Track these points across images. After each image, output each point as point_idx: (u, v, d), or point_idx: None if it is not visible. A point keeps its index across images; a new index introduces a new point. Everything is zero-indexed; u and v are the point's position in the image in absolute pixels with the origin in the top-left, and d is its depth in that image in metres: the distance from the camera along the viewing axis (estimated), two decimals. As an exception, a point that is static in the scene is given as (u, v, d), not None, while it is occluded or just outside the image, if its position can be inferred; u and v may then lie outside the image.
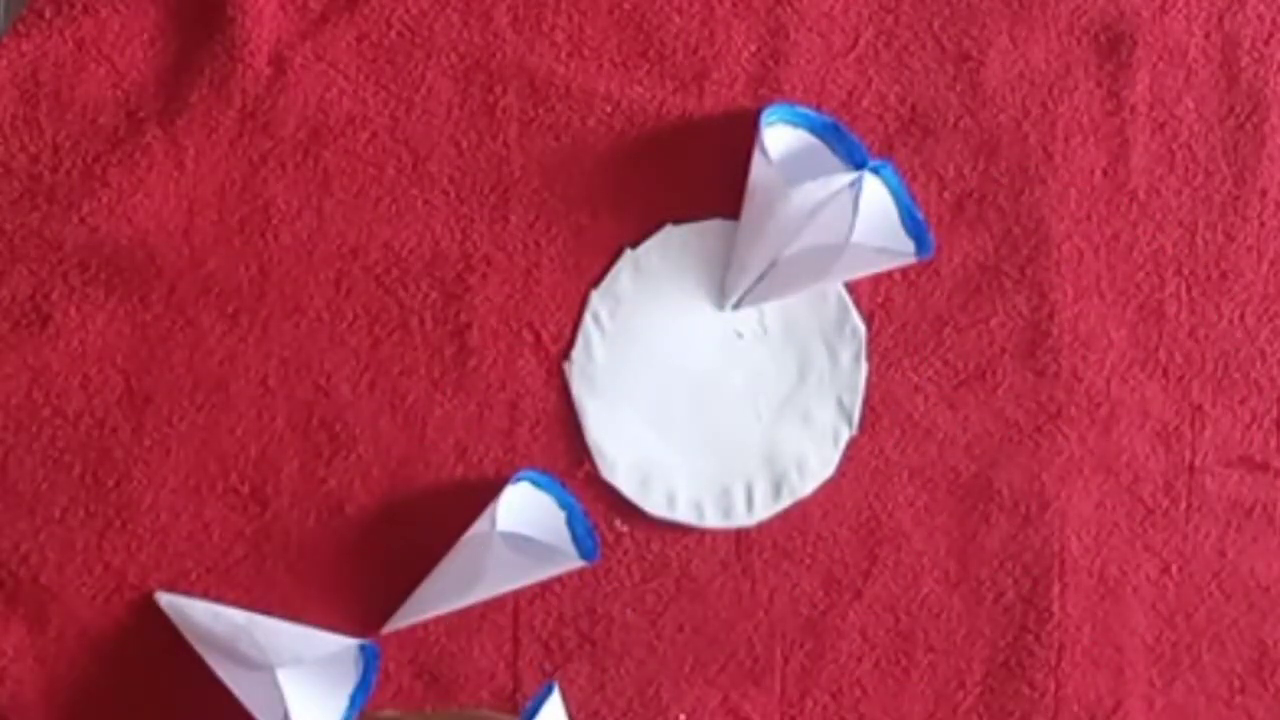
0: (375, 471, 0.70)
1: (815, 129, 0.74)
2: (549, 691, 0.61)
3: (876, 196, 0.72)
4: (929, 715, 0.74)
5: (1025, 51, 0.76)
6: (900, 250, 0.73)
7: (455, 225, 0.71)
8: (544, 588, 0.70)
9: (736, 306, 0.73)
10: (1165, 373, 0.77)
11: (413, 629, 0.69)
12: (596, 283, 0.72)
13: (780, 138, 0.73)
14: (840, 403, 0.73)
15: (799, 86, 0.74)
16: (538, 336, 0.71)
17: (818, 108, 0.74)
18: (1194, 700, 0.76)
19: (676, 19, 0.73)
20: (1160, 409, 0.76)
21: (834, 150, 0.74)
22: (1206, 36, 0.78)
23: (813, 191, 0.70)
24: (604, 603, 0.71)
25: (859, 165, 0.72)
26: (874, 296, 0.74)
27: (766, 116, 0.72)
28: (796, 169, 0.71)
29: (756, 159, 0.71)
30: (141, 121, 0.69)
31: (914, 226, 0.73)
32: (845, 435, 0.74)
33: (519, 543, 0.68)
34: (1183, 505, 0.76)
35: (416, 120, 0.71)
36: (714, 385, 0.73)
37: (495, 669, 0.71)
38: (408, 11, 0.71)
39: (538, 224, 0.72)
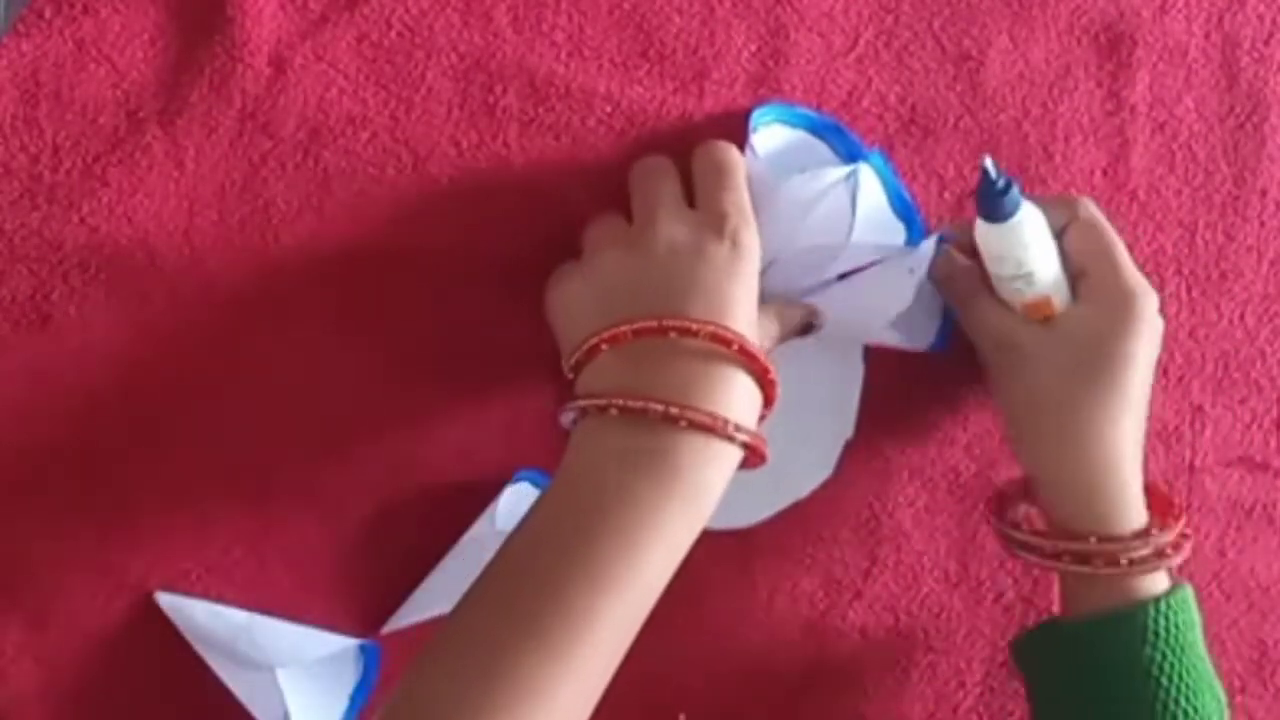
0: (375, 471, 0.70)
1: (808, 127, 0.73)
2: None
3: (869, 189, 0.72)
4: (929, 715, 0.75)
5: (1025, 51, 0.76)
6: (894, 244, 0.72)
7: (455, 225, 0.71)
8: (544, 588, 0.71)
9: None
10: (1165, 373, 0.77)
11: (412, 629, 0.69)
12: (596, 283, 0.72)
13: (771, 136, 0.73)
14: (839, 404, 0.73)
15: (799, 86, 0.74)
16: (538, 337, 0.71)
17: (818, 108, 0.74)
18: (1194, 700, 0.76)
19: (676, 19, 0.73)
20: (1160, 409, 0.76)
21: (832, 148, 0.73)
22: (1206, 36, 0.78)
23: (804, 185, 0.70)
24: (604, 603, 0.71)
25: (854, 160, 0.72)
26: (874, 296, 0.74)
27: (759, 116, 0.72)
28: (788, 166, 0.71)
29: (746, 157, 0.71)
30: (141, 121, 0.69)
31: (904, 210, 0.73)
32: (843, 437, 0.74)
33: None
34: (1183, 505, 0.76)
35: (416, 120, 0.71)
36: (714, 385, 0.73)
37: (495, 669, 0.71)
38: (408, 11, 0.71)
39: (538, 224, 0.72)
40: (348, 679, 0.69)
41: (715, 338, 0.59)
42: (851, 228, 0.70)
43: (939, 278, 0.70)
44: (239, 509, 0.69)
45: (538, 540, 0.58)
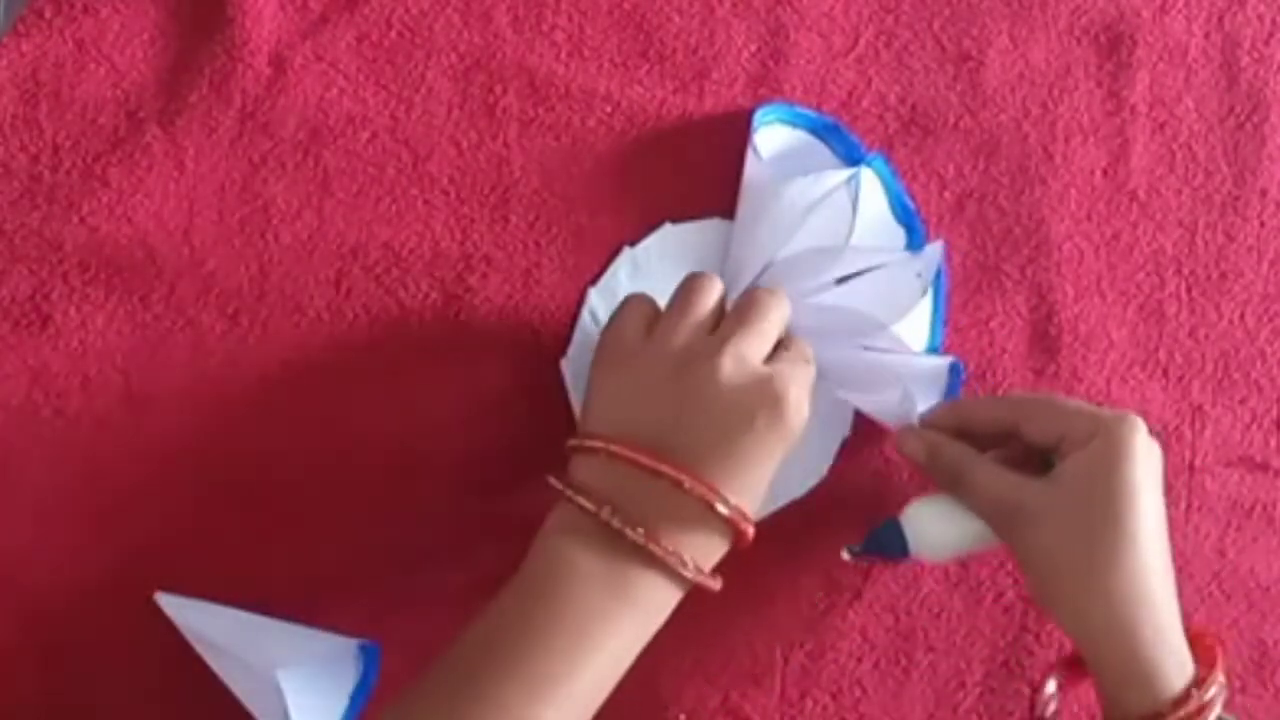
0: (375, 471, 0.70)
1: (809, 127, 0.73)
2: None
3: (870, 192, 0.72)
4: (929, 715, 0.74)
5: (1025, 51, 0.76)
6: (894, 249, 0.72)
7: (455, 225, 0.71)
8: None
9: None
10: (1165, 373, 0.77)
11: (412, 629, 0.69)
12: (596, 281, 0.72)
13: (773, 137, 0.73)
14: (838, 403, 0.73)
15: (799, 86, 0.74)
16: (537, 336, 0.71)
17: (818, 108, 0.74)
18: (1194, 700, 0.76)
19: (676, 19, 0.73)
20: (1160, 409, 0.76)
21: (832, 149, 0.74)
22: (1206, 36, 0.78)
23: (806, 188, 0.70)
24: (604, 603, 0.71)
25: (855, 163, 0.72)
26: (874, 296, 0.74)
27: (761, 116, 0.72)
28: (789, 167, 0.71)
29: (749, 157, 0.71)
30: (141, 121, 0.69)
31: (904, 215, 0.73)
32: (841, 438, 0.73)
33: None
34: (1183, 505, 0.76)
35: (416, 120, 0.71)
36: (713, 385, 0.73)
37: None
38: (408, 11, 0.71)
39: (538, 224, 0.72)
40: (348, 679, 0.69)
41: (717, 509, 0.60)
42: (851, 231, 0.70)
43: (927, 462, 0.69)
44: (239, 509, 0.69)
45: (489, 642, 0.59)
